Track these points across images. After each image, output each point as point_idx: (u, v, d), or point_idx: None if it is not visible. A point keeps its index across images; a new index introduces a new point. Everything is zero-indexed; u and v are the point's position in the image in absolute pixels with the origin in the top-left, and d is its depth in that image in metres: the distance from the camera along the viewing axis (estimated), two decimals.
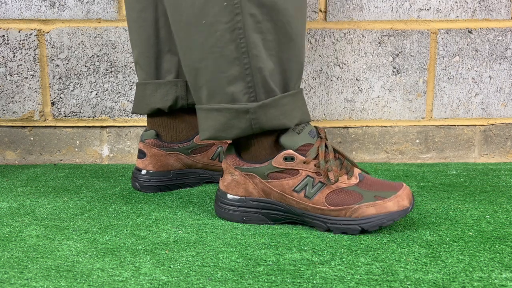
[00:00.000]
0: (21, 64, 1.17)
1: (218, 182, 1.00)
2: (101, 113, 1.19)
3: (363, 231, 0.72)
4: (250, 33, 0.70)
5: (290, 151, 0.75)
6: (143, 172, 0.95)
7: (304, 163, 0.74)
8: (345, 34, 1.17)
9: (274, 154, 0.76)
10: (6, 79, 1.17)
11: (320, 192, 0.74)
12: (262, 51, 0.71)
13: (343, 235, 0.73)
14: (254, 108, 0.73)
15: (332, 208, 0.73)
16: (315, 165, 0.74)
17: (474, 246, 0.68)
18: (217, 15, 0.70)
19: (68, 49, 1.16)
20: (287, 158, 0.75)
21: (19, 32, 1.15)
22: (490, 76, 1.19)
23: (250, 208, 0.78)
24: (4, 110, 1.18)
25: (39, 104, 1.18)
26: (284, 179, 0.75)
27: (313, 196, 0.74)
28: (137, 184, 0.96)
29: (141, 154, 0.96)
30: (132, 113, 0.98)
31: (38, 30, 1.15)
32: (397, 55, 1.18)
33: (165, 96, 0.93)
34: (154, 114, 0.96)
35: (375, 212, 0.72)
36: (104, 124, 1.20)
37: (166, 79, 0.94)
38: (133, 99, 1.19)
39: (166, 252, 0.67)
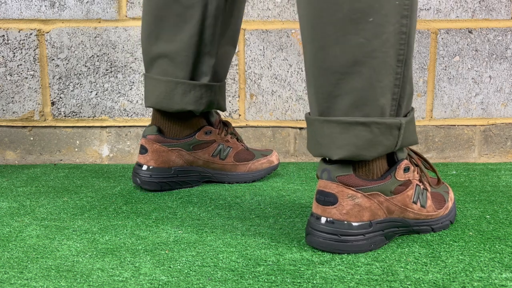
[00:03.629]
0: (21, 64, 1.17)
1: (219, 182, 1.00)
2: (101, 113, 1.19)
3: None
4: (412, 40, 0.63)
5: (406, 161, 0.69)
6: (144, 167, 0.95)
7: (413, 172, 0.71)
8: None
9: (388, 166, 0.69)
10: (6, 79, 1.17)
11: (428, 199, 0.73)
12: (412, 60, 0.65)
13: None
14: (405, 123, 0.65)
15: (439, 211, 0.74)
16: (416, 173, 0.71)
17: (474, 246, 0.68)
18: (388, 14, 0.61)
19: (68, 49, 1.16)
20: (405, 169, 0.69)
21: (19, 32, 1.15)
22: (490, 76, 1.19)
23: (377, 231, 0.68)
24: (4, 110, 1.18)
25: (39, 104, 1.18)
26: (404, 192, 0.69)
27: (425, 203, 0.72)
28: (137, 179, 0.96)
29: (143, 150, 0.95)
30: (148, 107, 0.95)
31: (38, 30, 1.15)
32: None
33: (200, 99, 0.91)
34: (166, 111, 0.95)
35: (452, 205, 0.77)
36: (104, 124, 1.20)
37: (201, 82, 0.92)
38: (133, 98, 1.19)
39: (166, 252, 0.67)
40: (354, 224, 0.66)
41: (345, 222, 0.66)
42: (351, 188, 0.65)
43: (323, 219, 0.66)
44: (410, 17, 0.62)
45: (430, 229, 0.73)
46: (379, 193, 0.67)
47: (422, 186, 0.72)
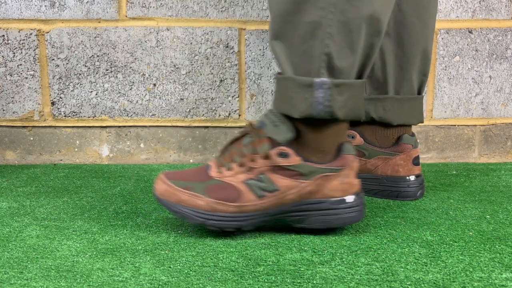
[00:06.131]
0: (21, 64, 1.17)
1: None
2: (101, 113, 1.19)
3: None
4: None
5: None
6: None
7: None
8: None
9: None
10: (6, 79, 1.17)
11: None
12: None
13: (343, 235, 0.73)
14: None
15: None
16: None
17: (474, 246, 0.68)
18: None
19: (68, 49, 1.16)
20: None
21: (19, 32, 1.15)
22: (490, 76, 1.19)
23: None
24: (4, 110, 1.18)
25: (39, 104, 1.18)
26: None
27: None
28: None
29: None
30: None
31: (38, 30, 1.15)
32: None
33: None
34: None
35: None
36: (104, 124, 1.20)
37: None
38: (133, 99, 1.18)
39: (166, 252, 0.67)
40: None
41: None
42: None
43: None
44: None
45: None
46: None
47: None
